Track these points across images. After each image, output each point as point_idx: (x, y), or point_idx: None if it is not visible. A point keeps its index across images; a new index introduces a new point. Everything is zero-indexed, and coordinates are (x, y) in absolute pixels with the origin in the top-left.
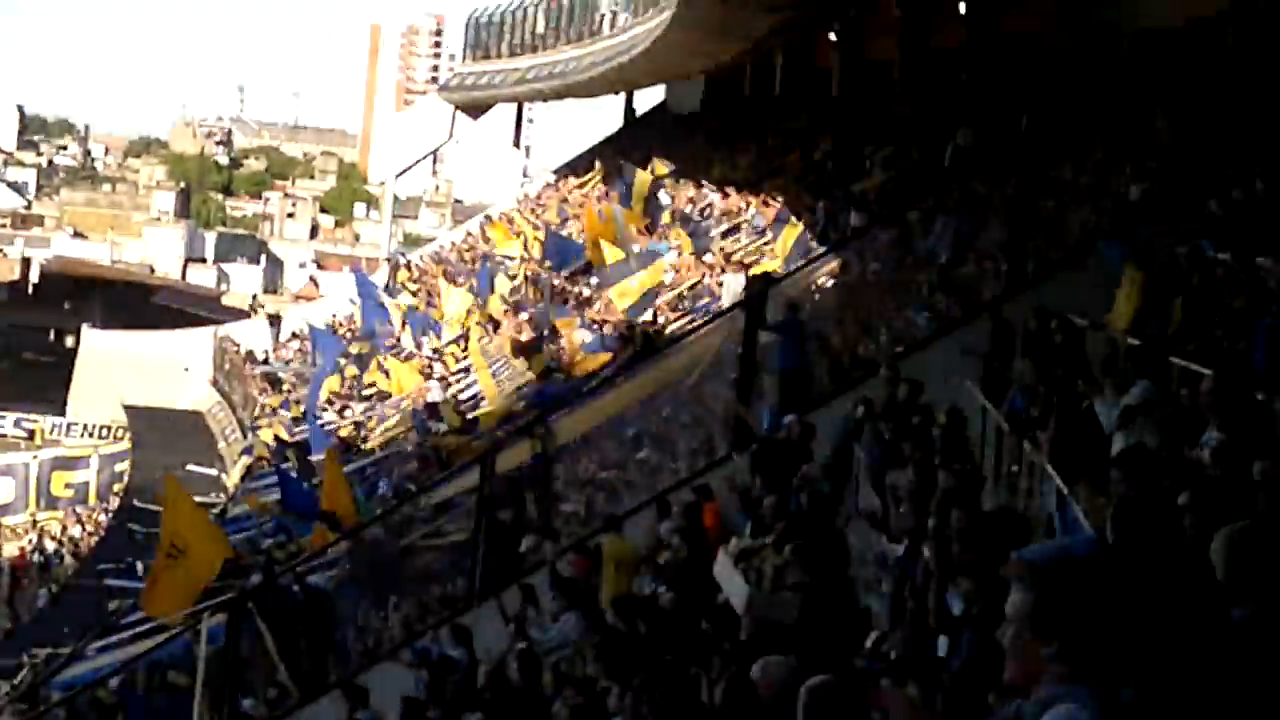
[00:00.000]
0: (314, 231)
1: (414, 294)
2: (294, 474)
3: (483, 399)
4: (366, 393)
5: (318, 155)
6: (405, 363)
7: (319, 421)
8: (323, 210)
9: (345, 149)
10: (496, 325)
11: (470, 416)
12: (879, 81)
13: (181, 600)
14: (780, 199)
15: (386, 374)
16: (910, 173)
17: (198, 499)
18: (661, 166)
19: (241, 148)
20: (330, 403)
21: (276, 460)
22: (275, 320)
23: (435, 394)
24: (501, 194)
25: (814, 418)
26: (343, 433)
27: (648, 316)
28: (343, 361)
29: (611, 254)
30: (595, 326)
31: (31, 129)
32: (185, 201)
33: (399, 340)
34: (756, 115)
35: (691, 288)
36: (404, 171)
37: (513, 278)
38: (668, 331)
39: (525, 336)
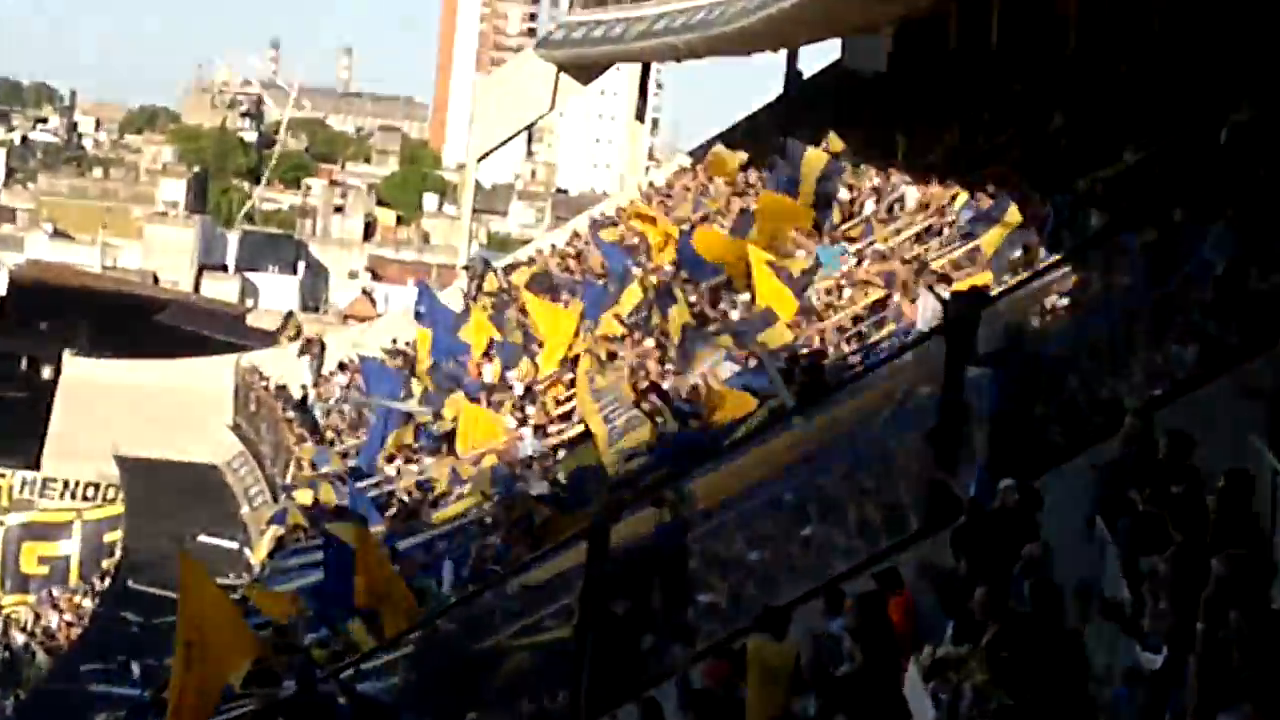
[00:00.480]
0: (369, 231)
1: (500, 313)
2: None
3: (586, 447)
4: (434, 444)
5: (375, 131)
6: (487, 406)
7: (366, 483)
8: (381, 203)
9: (412, 123)
10: (612, 356)
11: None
12: (1133, 35)
13: (198, 713)
14: (995, 190)
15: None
16: (1173, 157)
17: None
18: (836, 142)
19: (275, 121)
20: (390, 458)
21: (317, 532)
22: (317, 347)
23: (528, 446)
24: (619, 183)
25: (1040, 482)
26: (400, 495)
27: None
28: (405, 404)
29: (762, 281)
30: (743, 359)
31: (0, 97)
32: (201, 191)
33: (480, 376)
34: (964, 78)
35: (874, 307)
36: (490, 153)
37: (642, 291)
38: (841, 366)
39: (652, 371)
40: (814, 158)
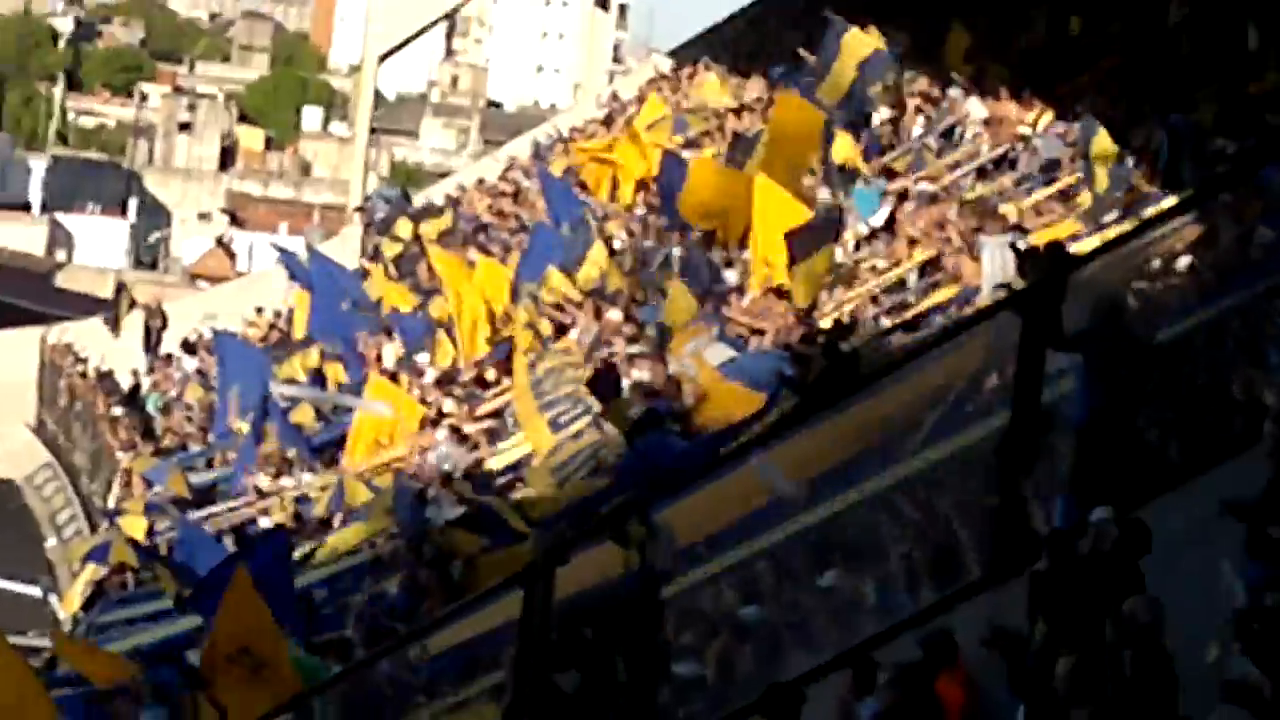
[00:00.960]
0: (227, 157)
1: (407, 276)
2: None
3: (528, 466)
4: (312, 452)
5: (236, 20)
6: (387, 401)
7: (215, 509)
8: (244, 119)
9: (287, 9)
10: (561, 332)
11: (505, 499)
12: None
13: None
14: (1089, 109)
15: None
16: None
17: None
18: (873, 38)
19: (98, 4)
20: (249, 471)
21: (151, 572)
22: (155, 318)
23: (444, 456)
24: (572, 94)
25: (1146, 512)
26: (272, 519)
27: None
28: (277, 396)
29: (773, 210)
30: (743, 340)
31: None
32: None
33: (378, 360)
34: None
35: (925, 269)
36: (394, 51)
37: (606, 248)
38: (877, 347)
39: (617, 354)
40: (857, 43)
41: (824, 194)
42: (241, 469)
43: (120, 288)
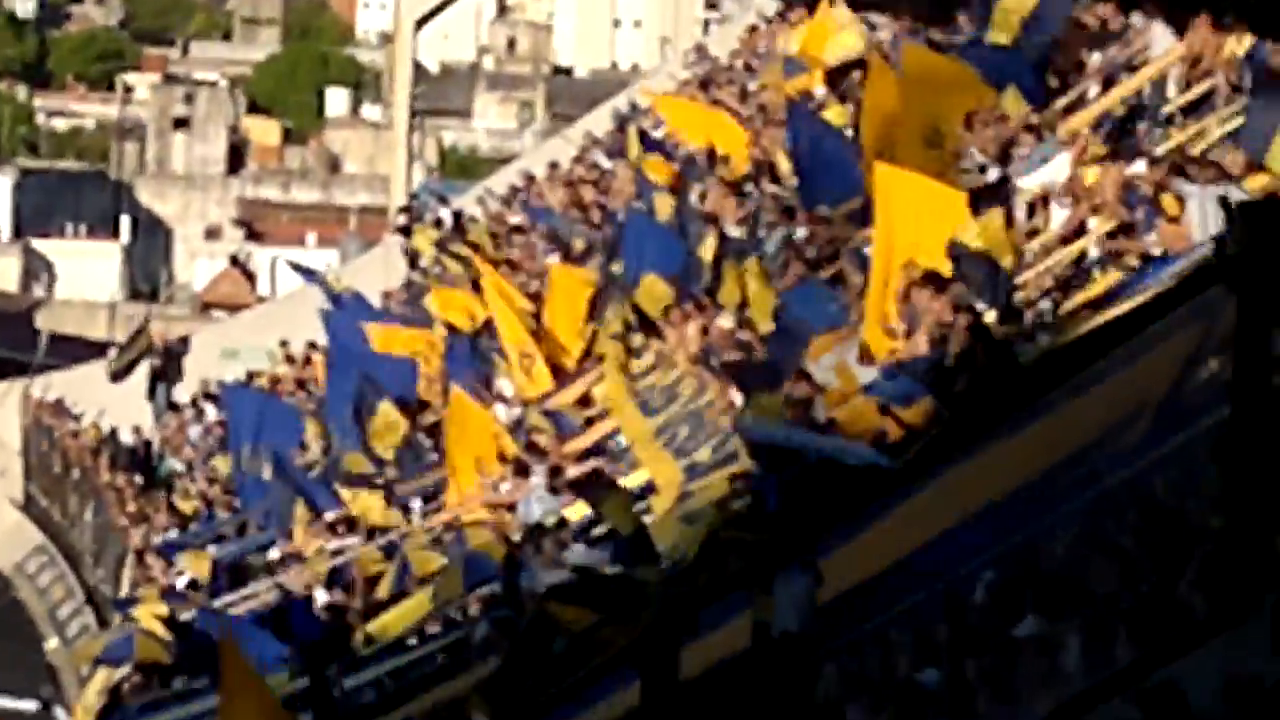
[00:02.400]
0: (237, 156)
1: (459, 291)
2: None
3: (650, 510)
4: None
5: None
6: (455, 441)
7: (239, 594)
8: (255, 109)
9: None
10: (650, 332)
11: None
12: None
13: None
14: None
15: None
16: None
17: None
18: None
19: None
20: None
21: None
22: (161, 357)
23: (536, 504)
24: (658, 52)
25: None
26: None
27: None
28: (313, 452)
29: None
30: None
31: None
32: None
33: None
34: None
35: (1113, 236)
36: (434, 12)
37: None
38: (1057, 333)
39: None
40: None
41: (978, 158)
42: (273, 535)
43: (141, 329)
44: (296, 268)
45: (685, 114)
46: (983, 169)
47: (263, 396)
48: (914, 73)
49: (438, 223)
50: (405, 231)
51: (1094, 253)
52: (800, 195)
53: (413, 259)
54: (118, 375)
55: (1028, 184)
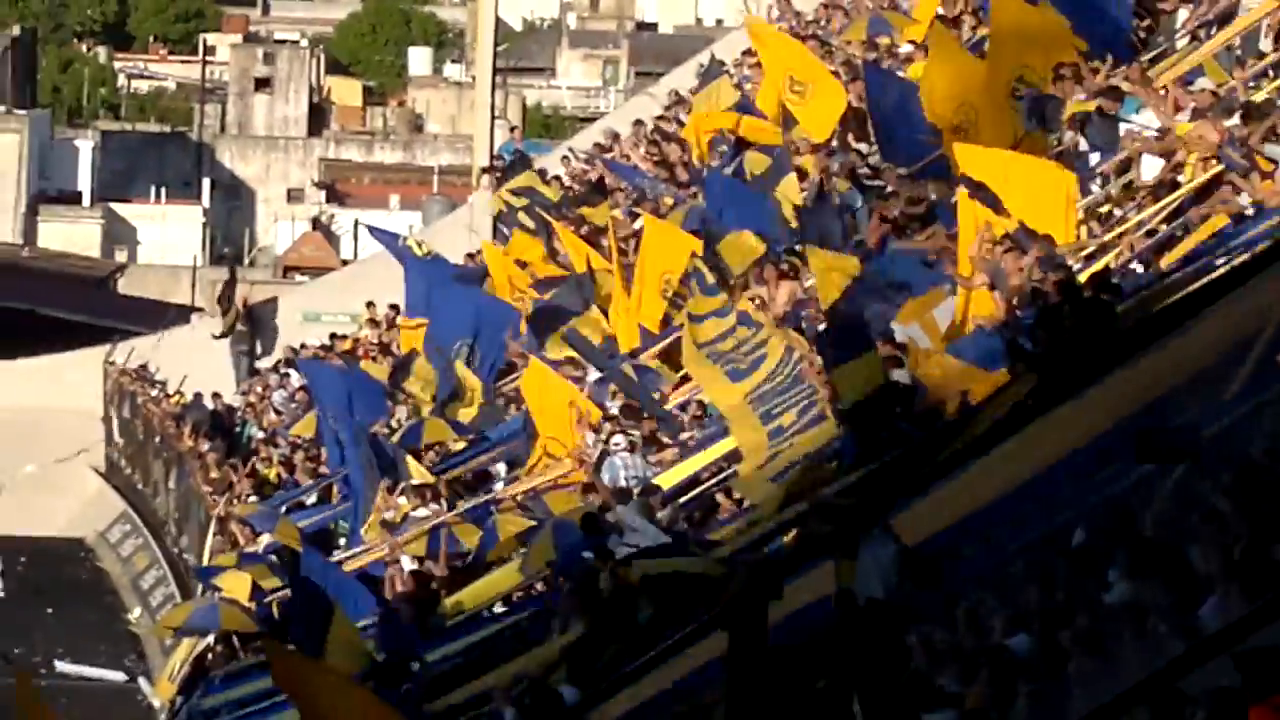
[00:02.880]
0: (318, 117)
1: (550, 254)
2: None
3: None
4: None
5: None
6: (540, 408)
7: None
8: (336, 68)
9: None
10: (731, 289)
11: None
12: None
13: None
14: None
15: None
16: None
17: None
18: None
19: None
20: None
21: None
22: (246, 321)
23: (623, 465)
24: (745, 8)
25: None
26: (405, 562)
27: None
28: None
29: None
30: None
31: None
32: (26, 66)
33: (516, 358)
34: None
35: (1203, 194)
36: None
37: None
38: (1151, 296)
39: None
40: None
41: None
42: (359, 504)
43: (229, 283)
44: (374, 231)
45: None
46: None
47: (342, 370)
48: (1003, 23)
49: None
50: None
51: (1191, 207)
52: (881, 153)
53: (497, 218)
54: (225, 336)
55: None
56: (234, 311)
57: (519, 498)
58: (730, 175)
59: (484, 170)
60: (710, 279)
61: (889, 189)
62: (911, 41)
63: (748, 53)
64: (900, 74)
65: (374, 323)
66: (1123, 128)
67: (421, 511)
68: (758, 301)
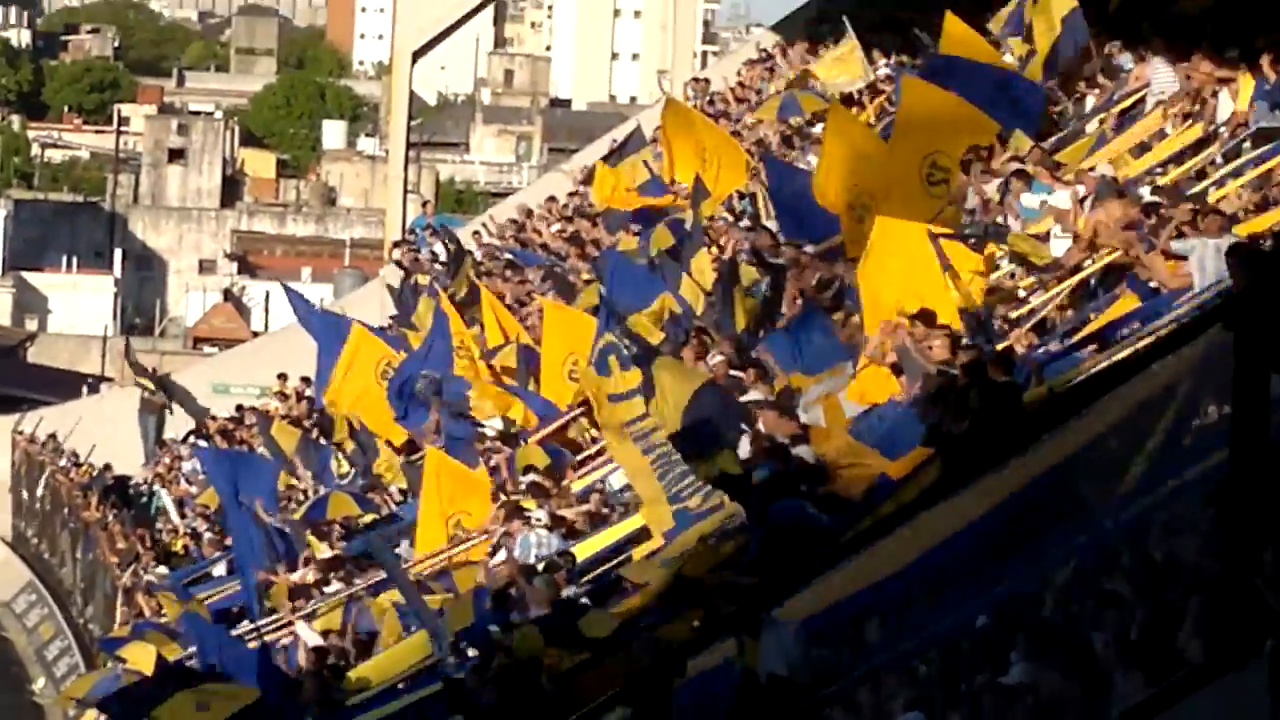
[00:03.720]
0: (232, 189)
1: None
2: None
3: (636, 556)
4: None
5: (233, 17)
6: (447, 478)
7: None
8: (251, 140)
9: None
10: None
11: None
12: None
13: None
14: None
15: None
16: None
17: None
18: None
19: (64, 7)
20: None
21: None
22: (157, 390)
23: (534, 542)
24: (656, 85)
25: None
26: (310, 637)
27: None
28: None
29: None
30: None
31: None
32: None
33: (435, 432)
34: None
35: (1106, 278)
36: (431, 45)
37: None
38: (1047, 378)
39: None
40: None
41: (973, 200)
42: (252, 574)
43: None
44: (290, 293)
45: (691, 128)
46: (973, 212)
47: (232, 452)
48: (913, 106)
49: (433, 257)
50: (401, 264)
51: (1095, 284)
52: (784, 234)
53: (408, 292)
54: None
55: (1027, 217)
56: (152, 373)
57: (423, 574)
58: (634, 251)
59: (395, 244)
60: (628, 354)
61: (799, 267)
62: (822, 121)
63: (661, 128)
64: (812, 156)
65: (283, 395)
66: (1034, 204)
67: (332, 585)
68: None
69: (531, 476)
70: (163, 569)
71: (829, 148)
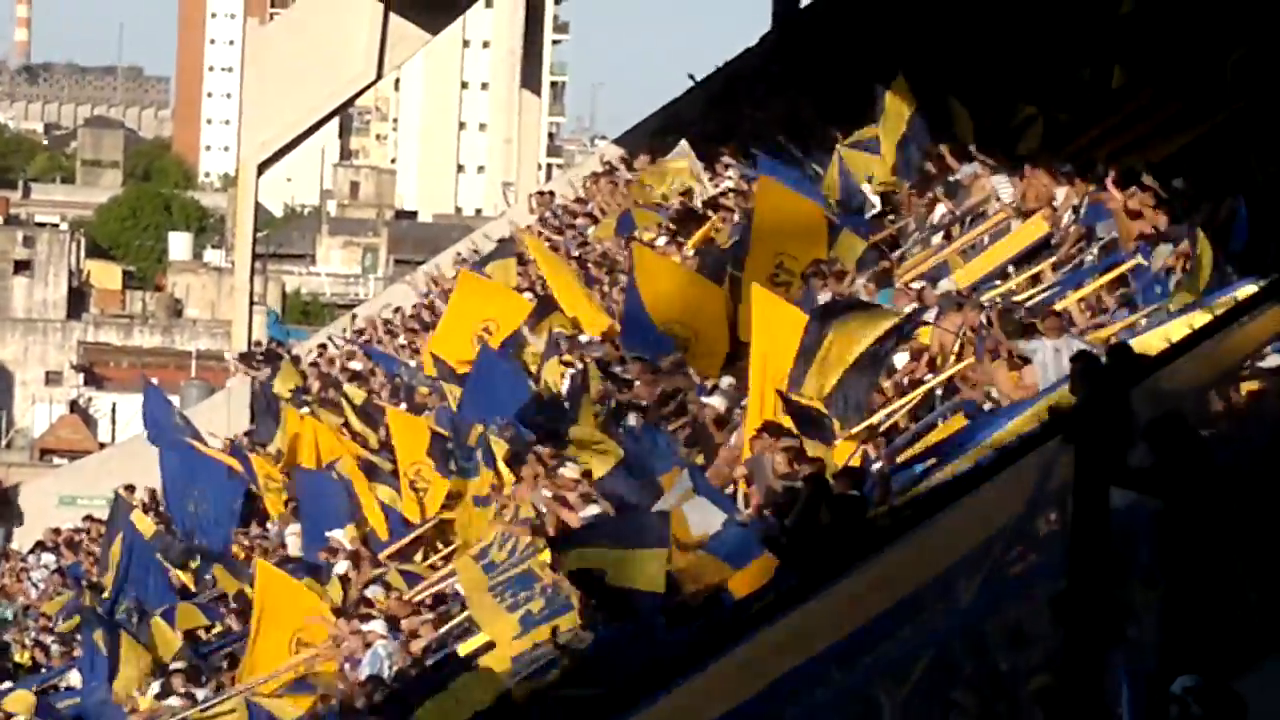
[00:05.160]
0: (78, 300)
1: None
2: None
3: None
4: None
5: (79, 128)
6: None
7: None
8: (96, 251)
9: (143, 111)
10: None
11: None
12: None
13: None
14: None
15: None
16: None
17: None
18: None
19: None
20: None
21: None
22: (1, 500)
23: (376, 656)
24: (501, 197)
25: (1244, 684)
26: None
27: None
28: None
29: (777, 324)
30: (730, 494)
31: None
32: None
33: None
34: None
35: (951, 388)
36: (278, 156)
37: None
38: (894, 489)
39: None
40: (896, 107)
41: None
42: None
43: None
44: (150, 392)
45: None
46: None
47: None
48: (765, 210)
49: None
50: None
51: (943, 395)
52: (626, 347)
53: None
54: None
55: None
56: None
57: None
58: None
59: (240, 357)
60: (468, 461)
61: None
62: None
63: (504, 240)
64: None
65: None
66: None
67: (173, 700)
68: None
69: (376, 590)
70: (8, 683)
71: (641, 282)
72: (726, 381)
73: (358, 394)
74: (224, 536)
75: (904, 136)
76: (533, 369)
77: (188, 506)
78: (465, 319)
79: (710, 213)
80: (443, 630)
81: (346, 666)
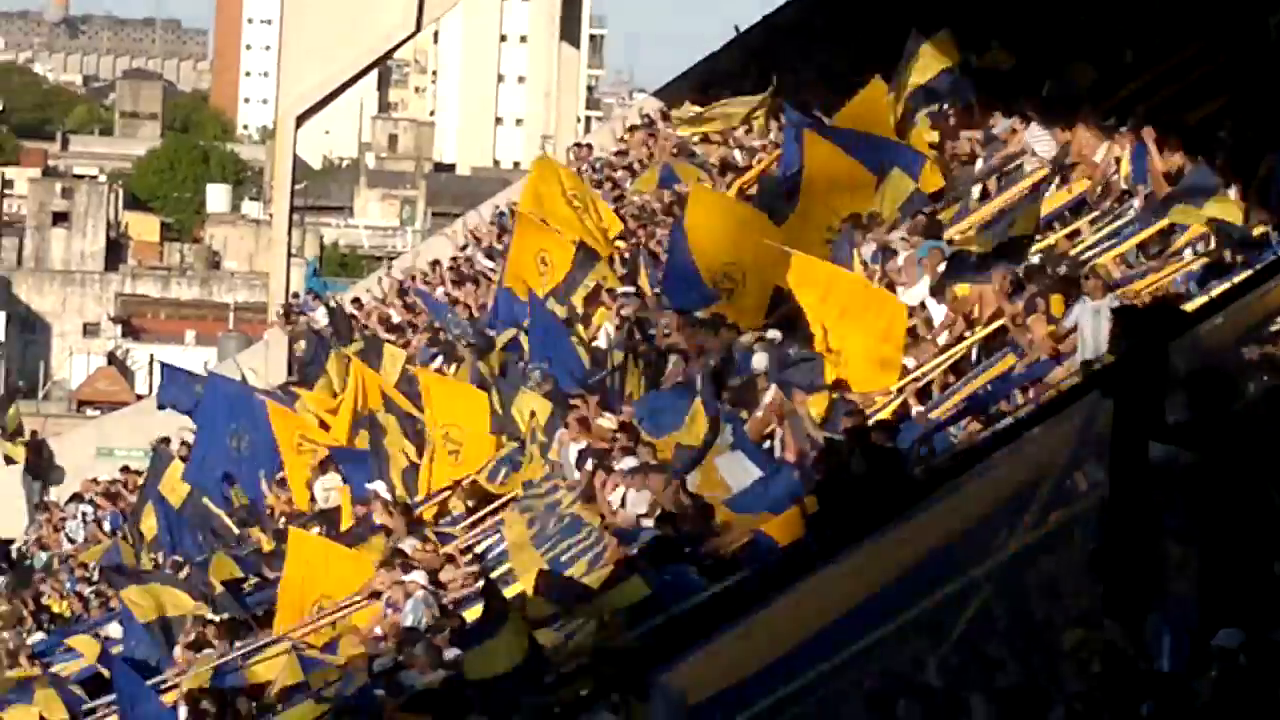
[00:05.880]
0: (116, 252)
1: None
2: None
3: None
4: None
5: (117, 81)
6: (329, 551)
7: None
8: (135, 204)
9: (180, 64)
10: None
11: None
12: None
13: None
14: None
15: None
16: None
17: None
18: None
19: None
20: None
21: None
22: (34, 454)
23: (414, 607)
24: (540, 149)
25: None
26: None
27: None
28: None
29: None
30: (763, 444)
31: None
32: None
33: (310, 501)
34: None
35: (992, 341)
36: (315, 109)
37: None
38: (935, 444)
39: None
40: (930, 58)
41: (857, 256)
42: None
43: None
44: (165, 366)
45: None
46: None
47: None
48: (814, 167)
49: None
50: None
51: (978, 352)
52: (669, 298)
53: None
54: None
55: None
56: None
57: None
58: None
59: (280, 308)
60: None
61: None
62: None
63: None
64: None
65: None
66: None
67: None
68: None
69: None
70: (42, 634)
71: (692, 225)
72: (772, 334)
73: (398, 354)
74: (272, 468)
75: (927, 87)
76: (580, 311)
77: (229, 441)
78: (527, 252)
79: (754, 162)
80: (479, 585)
81: (389, 612)
